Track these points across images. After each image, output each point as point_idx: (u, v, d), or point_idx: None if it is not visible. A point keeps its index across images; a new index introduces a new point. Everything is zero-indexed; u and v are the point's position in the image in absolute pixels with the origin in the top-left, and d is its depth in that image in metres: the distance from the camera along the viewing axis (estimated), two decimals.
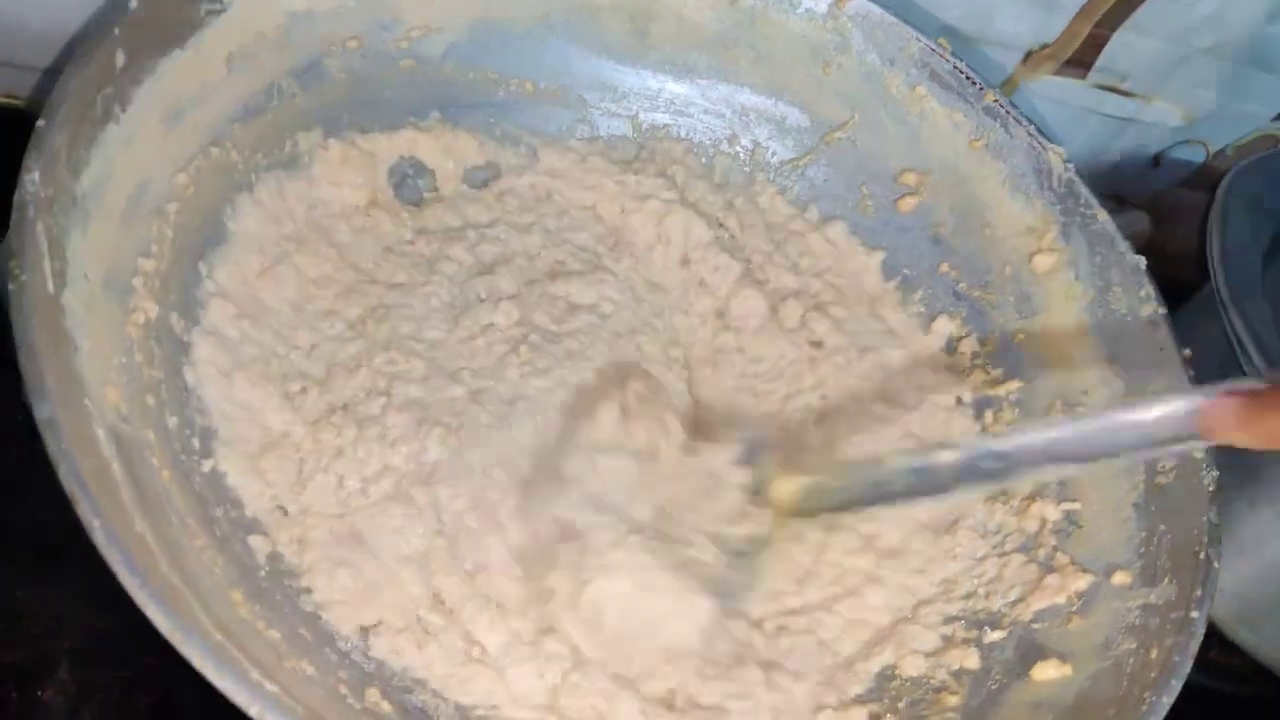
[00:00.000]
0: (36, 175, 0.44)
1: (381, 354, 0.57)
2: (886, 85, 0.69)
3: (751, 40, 0.70)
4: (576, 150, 0.70)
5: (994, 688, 0.54)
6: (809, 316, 0.67)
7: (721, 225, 0.70)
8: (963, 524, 0.61)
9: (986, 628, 0.57)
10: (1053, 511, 0.60)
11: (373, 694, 0.48)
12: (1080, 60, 0.73)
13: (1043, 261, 0.66)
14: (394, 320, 0.59)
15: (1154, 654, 0.50)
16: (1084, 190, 0.65)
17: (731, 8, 0.68)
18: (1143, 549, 0.56)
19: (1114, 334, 0.62)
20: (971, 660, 0.55)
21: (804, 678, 0.54)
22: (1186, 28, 0.72)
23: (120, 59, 0.49)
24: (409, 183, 0.65)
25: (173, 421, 0.51)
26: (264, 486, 0.52)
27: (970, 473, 0.46)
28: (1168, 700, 0.48)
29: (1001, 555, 0.60)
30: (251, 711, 0.38)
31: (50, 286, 0.43)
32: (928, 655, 0.56)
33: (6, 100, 0.62)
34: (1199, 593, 0.52)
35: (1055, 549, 0.59)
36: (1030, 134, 0.66)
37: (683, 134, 0.72)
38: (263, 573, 0.50)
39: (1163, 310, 0.61)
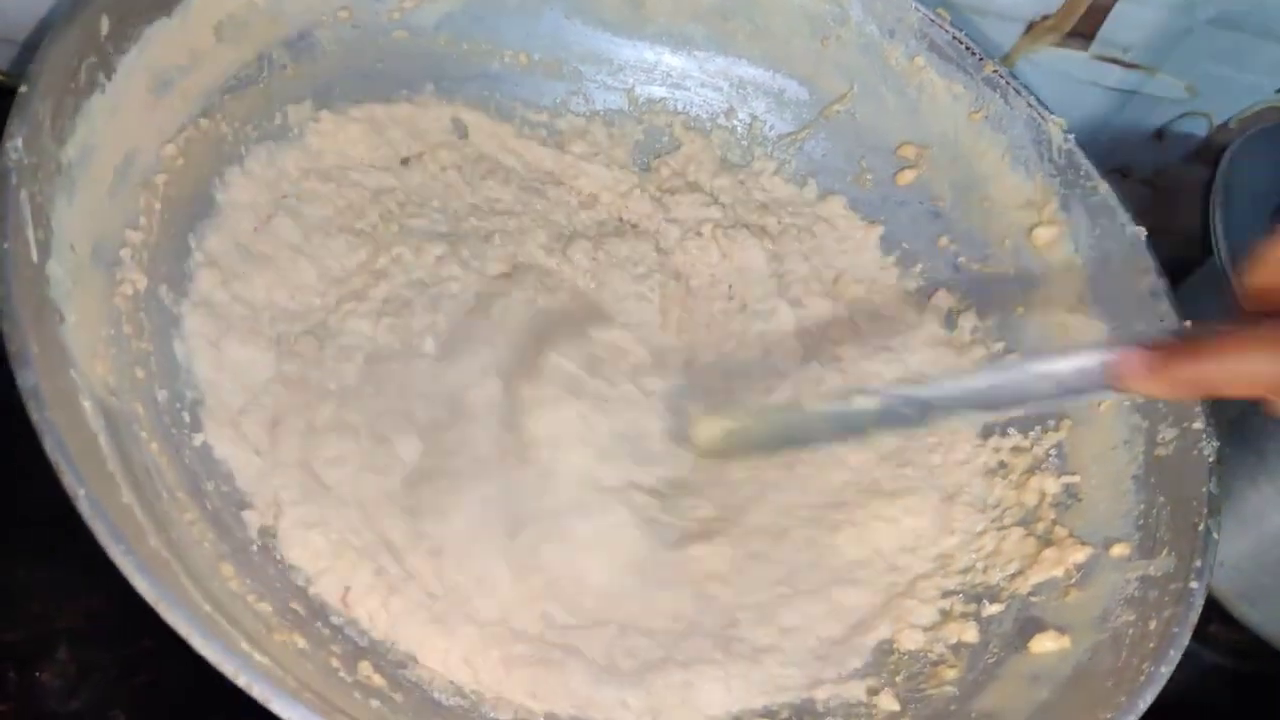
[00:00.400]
0: (19, 142, 0.43)
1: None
2: (886, 57, 0.68)
3: (749, 12, 0.69)
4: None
5: (992, 661, 0.54)
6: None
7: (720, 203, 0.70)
8: (961, 498, 0.61)
9: (984, 601, 0.56)
10: (1052, 485, 0.59)
11: (365, 667, 0.47)
12: (1082, 32, 0.72)
13: (1043, 234, 0.65)
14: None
15: (1152, 625, 0.50)
16: (1084, 161, 0.64)
17: None
18: (1142, 521, 0.55)
19: (1115, 306, 0.62)
20: (969, 634, 0.55)
21: (800, 651, 0.54)
22: None
23: (105, 26, 0.49)
24: None
25: (162, 395, 0.50)
26: (251, 455, 0.51)
27: (888, 417, 0.47)
28: (1166, 670, 0.48)
29: (1000, 529, 0.59)
30: (239, 681, 0.37)
31: (34, 255, 0.43)
32: (925, 629, 0.56)
33: None
34: (1198, 564, 0.51)
35: (1054, 522, 0.58)
36: (1030, 105, 0.66)
37: (680, 107, 0.72)
38: (254, 546, 0.49)
39: (1164, 282, 0.60)
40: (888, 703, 0.53)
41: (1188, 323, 0.58)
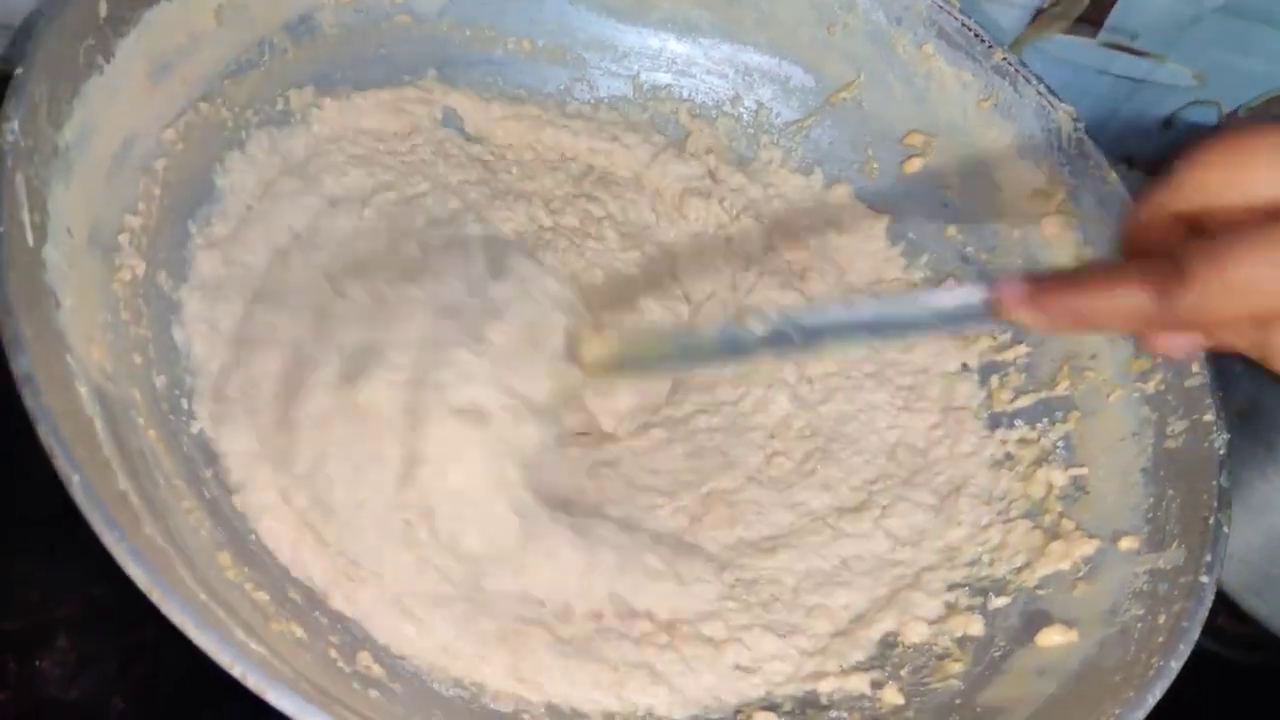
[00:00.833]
0: (16, 124, 0.43)
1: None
2: (893, 44, 0.68)
3: None
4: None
5: (998, 655, 0.53)
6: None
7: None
8: (966, 490, 0.60)
9: (990, 594, 0.56)
10: (1059, 477, 0.59)
11: (364, 657, 0.47)
12: (1090, 18, 0.72)
13: (1051, 224, 0.65)
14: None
15: (1162, 619, 0.50)
16: (1094, 150, 0.64)
17: None
18: (1151, 514, 0.55)
19: None
20: (975, 627, 0.55)
21: (803, 643, 0.54)
22: None
23: (103, 8, 0.48)
24: None
25: (160, 381, 0.50)
26: (246, 439, 0.51)
27: (777, 340, 0.47)
28: (1176, 665, 0.47)
29: (1006, 522, 0.59)
30: (234, 671, 0.37)
31: (30, 239, 0.42)
32: (930, 622, 0.55)
33: None
34: (1209, 557, 0.51)
35: (1061, 515, 0.58)
36: (1040, 93, 0.65)
37: (685, 94, 0.71)
38: (253, 535, 0.49)
39: None
40: (892, 696, 0.52)
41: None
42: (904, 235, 0.69)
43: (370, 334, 0.51)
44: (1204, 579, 0.50)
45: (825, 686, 0.53)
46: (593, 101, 0.70)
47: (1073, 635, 0.52)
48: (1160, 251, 0.38)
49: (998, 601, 0.55)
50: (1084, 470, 0.59)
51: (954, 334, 0.62)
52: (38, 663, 0.49)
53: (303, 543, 0.49)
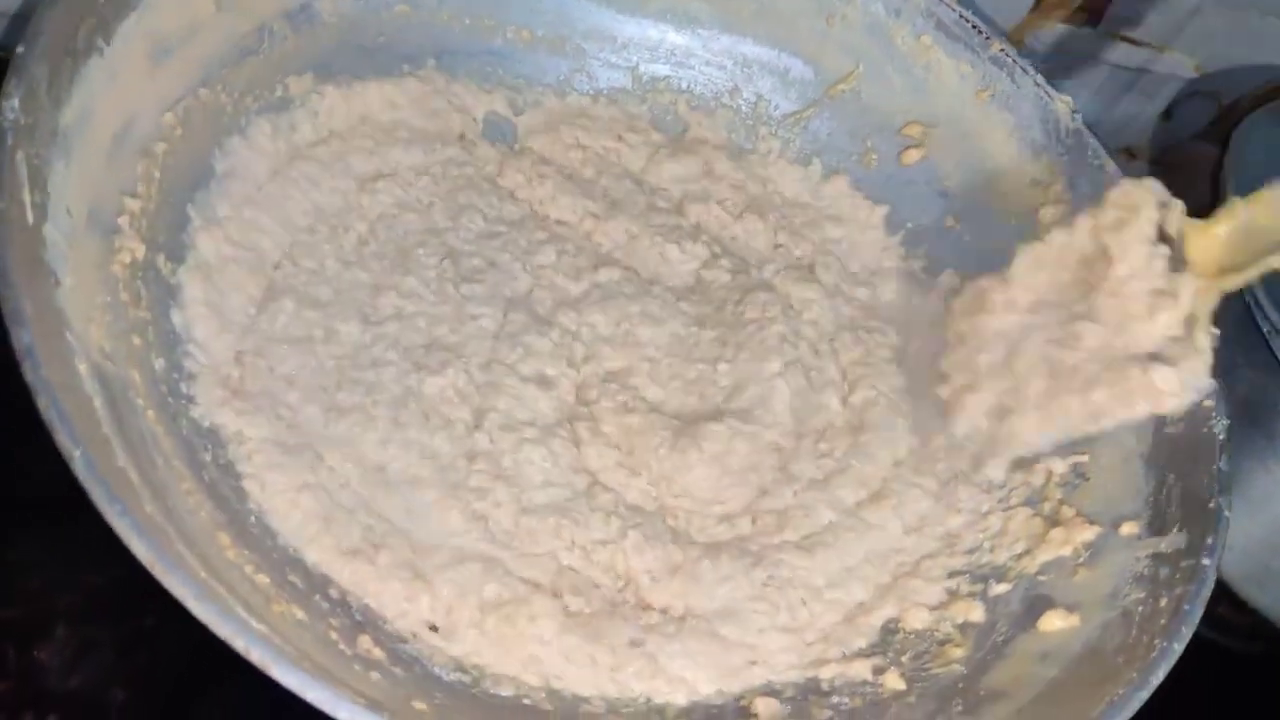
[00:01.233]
0: (16, 103, 0.43)
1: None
2: (892, 36, 0.68)
3: None
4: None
5: (999, 640, 0.53)
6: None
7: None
8: (966, 478, 0.60)
9: (991, 581, 0.56)
10: (1059, 465, 0.59)
11: (365, 641, 0.47)
12: (1091, 8, 0.72)
13: (1050, 214, 0.64)
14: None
15: (1163, 602, 0.50)
16: (1092, 141, 0.64)
17: None
18: (1151, 499, 0.55)
19: None
20: (976, 613, 0.54)
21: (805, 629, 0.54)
22: None
23: None
24: None
25: (160, 364, 0.50)
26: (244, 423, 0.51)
27: None
28: (1178, 647, 0.47)
29: (1006, 509, 0.59)
30: (237, 645, 0.37)
31: (30, 217, 0.42)
32: (932, 609, 0.55)
33: None
34: (1210, 540, 0.51)
35: (1061, 502, 0.58)
36: (1038, 84, 0.65)
37: (684, 86, 0.71)
38: (253, 519, 0.49)
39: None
40: (894, 682, 0.52)
41: None
42: (902, 225, 0.69)
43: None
44: (1205, 562, 0.50)
45: (827, 673, 0.52)
46: (592, 93, 0.70)
47: (1074, 619, 0.52)
48: None
49: (999, 588, 0.55)
50: (1084, 457, 0.58)
51: None
52: (37, 652, 0.49)
53: (313, 518, 0.50)
